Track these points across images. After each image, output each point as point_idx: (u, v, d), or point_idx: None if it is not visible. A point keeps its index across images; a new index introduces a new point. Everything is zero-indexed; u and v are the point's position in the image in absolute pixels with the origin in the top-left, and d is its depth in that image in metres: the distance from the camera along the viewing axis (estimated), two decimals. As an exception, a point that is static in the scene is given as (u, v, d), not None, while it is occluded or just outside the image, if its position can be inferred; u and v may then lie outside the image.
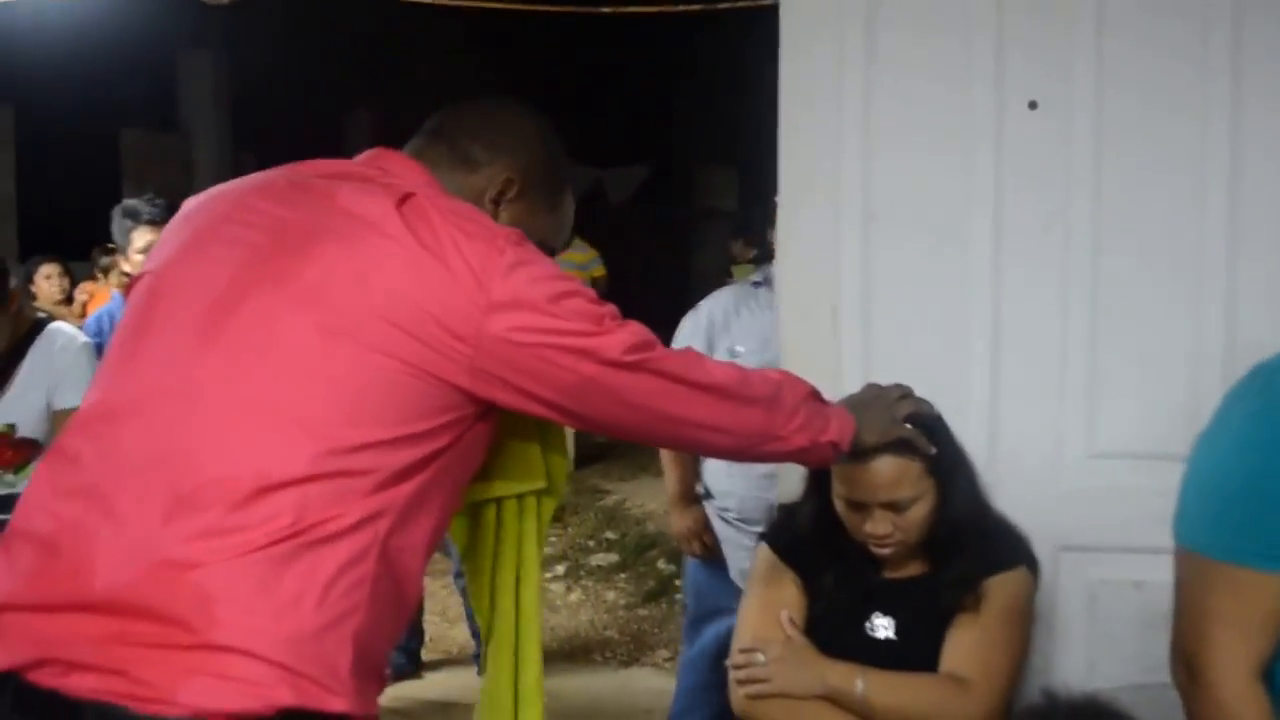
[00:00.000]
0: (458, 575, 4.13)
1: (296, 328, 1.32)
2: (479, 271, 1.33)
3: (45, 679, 1.23)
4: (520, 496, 1.67)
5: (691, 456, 3.19)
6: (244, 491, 1.25)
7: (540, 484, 1.68)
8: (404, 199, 1.38)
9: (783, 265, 2.28)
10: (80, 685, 1.21)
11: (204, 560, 1.23)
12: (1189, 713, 1.40)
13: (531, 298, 1.36)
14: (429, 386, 1.34)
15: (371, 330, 1.31)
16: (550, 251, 1.61)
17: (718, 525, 3.18)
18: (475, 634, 4.04)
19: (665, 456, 3.35)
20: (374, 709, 1.34)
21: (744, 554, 3.02)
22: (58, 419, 2.67)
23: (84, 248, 7.20)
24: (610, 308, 1.44)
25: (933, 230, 2.19)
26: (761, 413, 1.56)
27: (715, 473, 3.17)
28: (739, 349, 3.04)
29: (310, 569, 1.25)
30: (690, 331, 3.21)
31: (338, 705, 1.24)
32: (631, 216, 13.91)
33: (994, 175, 2.16)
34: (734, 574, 3.08)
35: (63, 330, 2.87)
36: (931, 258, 2.20)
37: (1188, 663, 1.38)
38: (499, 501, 1.67)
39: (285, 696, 1.21)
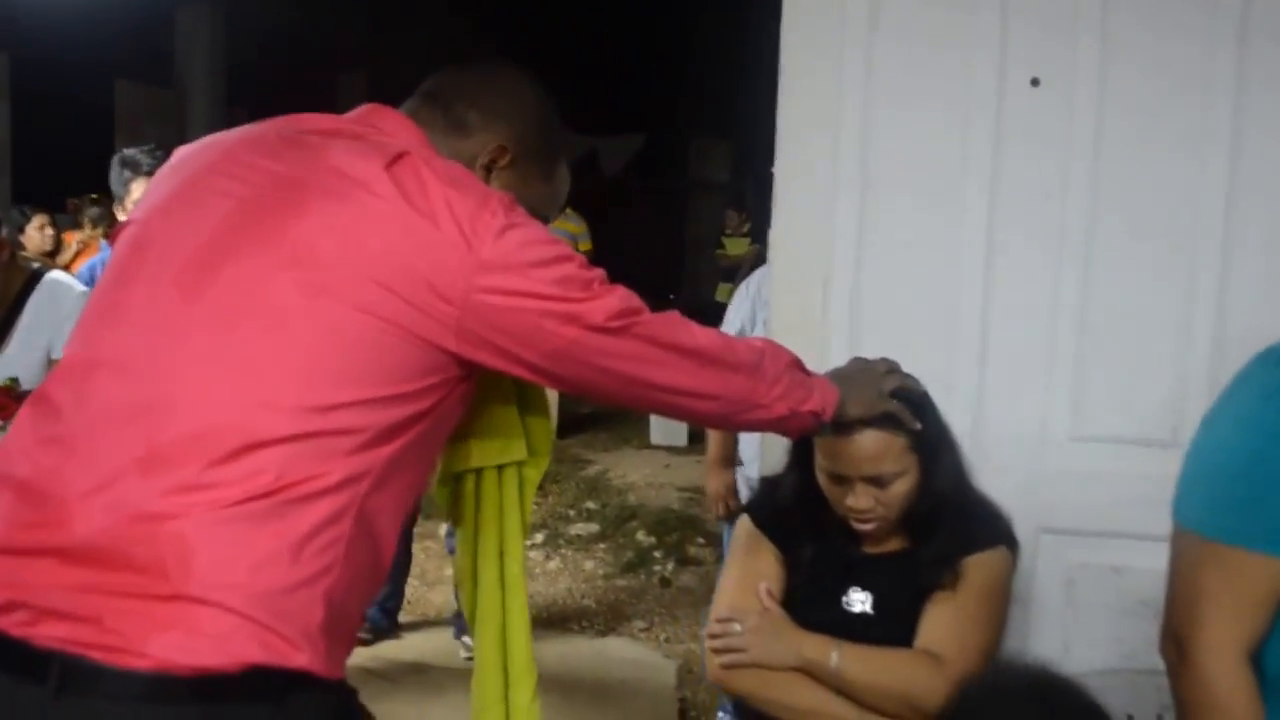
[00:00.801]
0: (449, 535, 4.13)
1: (280, 285, 1.30)
2: (468, 233, 1.32)
3: (14, 626, 1.22)
4: (500, 467, 1.66)
5: None
6: (225, 448, 1.24)
7: (520, 455, 1.67)
8: (395, 159, 1.36)
9: (776, 235, 2.27)
10: (50, 634, 1.20)
11: (183, 512, 1.22)
12: (1175, 690, 1.40)
13: (520, 261, 1.35)
14: (414, 347, 1.32)
15: (357, 289, 1.30)
16: (542, 220, 1.59)
17: (744, 492, 3.30)
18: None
19: None
20: (340, 672, 1.32)
21: None
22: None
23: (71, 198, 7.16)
24: (599, 273, 1.43)
25: (928, 204, 2.18)
26: (744, 380, 1.55)
27: (747, 441, 3.31)
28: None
29: (287, 526, 1.24)
30: (738, 303, 3.43)
31: (302, 662, 1.24)
32: (625, 187, 13.89)
33: (992, 150, 2.15)
34: None
35: (60, 281, 2.83)
36: (926, 232, 2.18)
37: (1177, 640, 1.38)
38: (479, 472, 1.66)
39: (253, 652, 1.20)
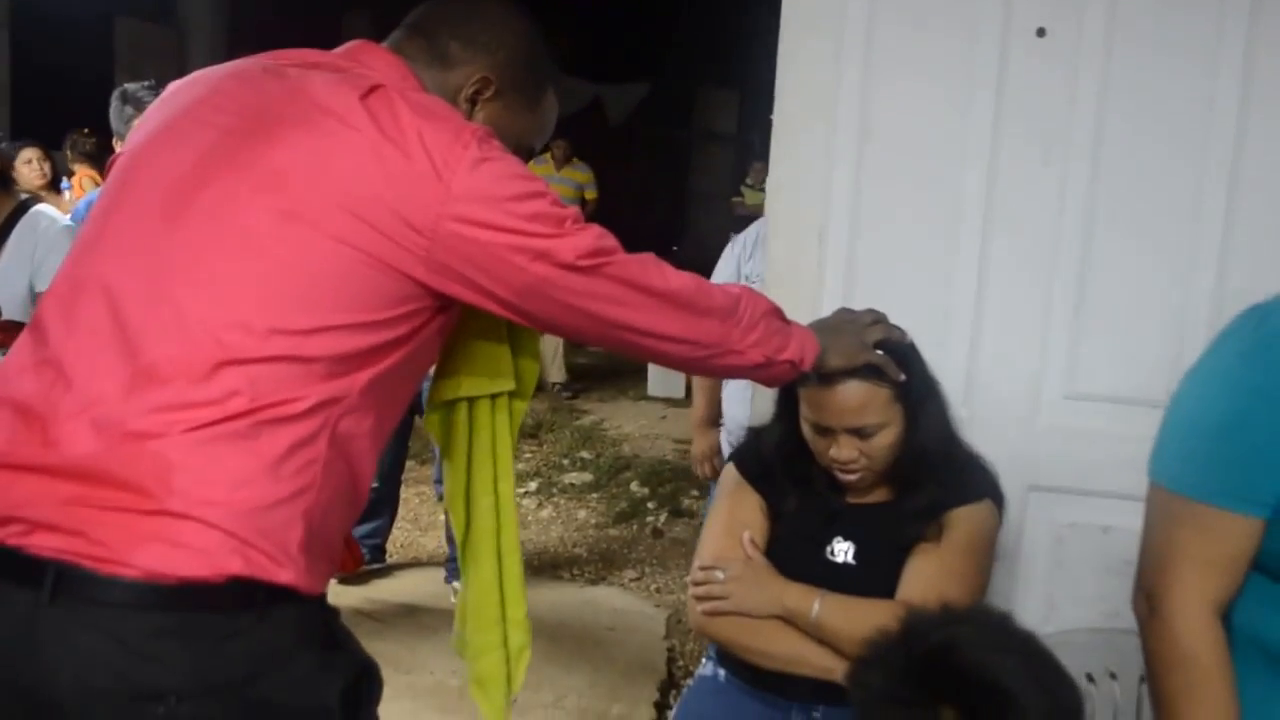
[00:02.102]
0: (438, 482, 4.13)
1: (254, 210, 1.33)
2: (440, 165, 1.32)
3: (10, 537, 1.26)
4: (493, 396, 1.69)
5: (718, 384, 3.34)
6: (202, 367, 1.27)
7: (509, 386, 1.69)
8: (370, 90, 1.37)
9: (774, 185, 2.24)
10: (43, 544, 1.24)
11: (163, 432, 1.25)
12: (1146, 645, 1.40)
13: (492, 194, 1.35)
14: (386, 277, 1.34)
15: (330, 218, 1.31)
16: (528, 152, 1.59)
17: (726, 451, 3.27)
18: (451, 539, 4.07)
19: (696, 382, 3.51)
20: (321, 589, 1.36)
21: None
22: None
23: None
24: (572, 211, 1.43)
25: (928, 157, 2.15)
26: (716, 325, 1.54)
27: (729, 399, 3.31)
28: (753, 277, 3.15)
29: (264, 446, 1.28)
30: (727, 256, 3.43)
31: (285, 578, 1.27)
32: (629, 136, 13.79)
33: (995, 103, 2.12)
34: None
35: (44, 213, 2.83)
36: (925, 186, 2.16)
37: (1149, 596, 1.39)
38: (471, 401, 1.69)
39: (235, 565, 1.24)
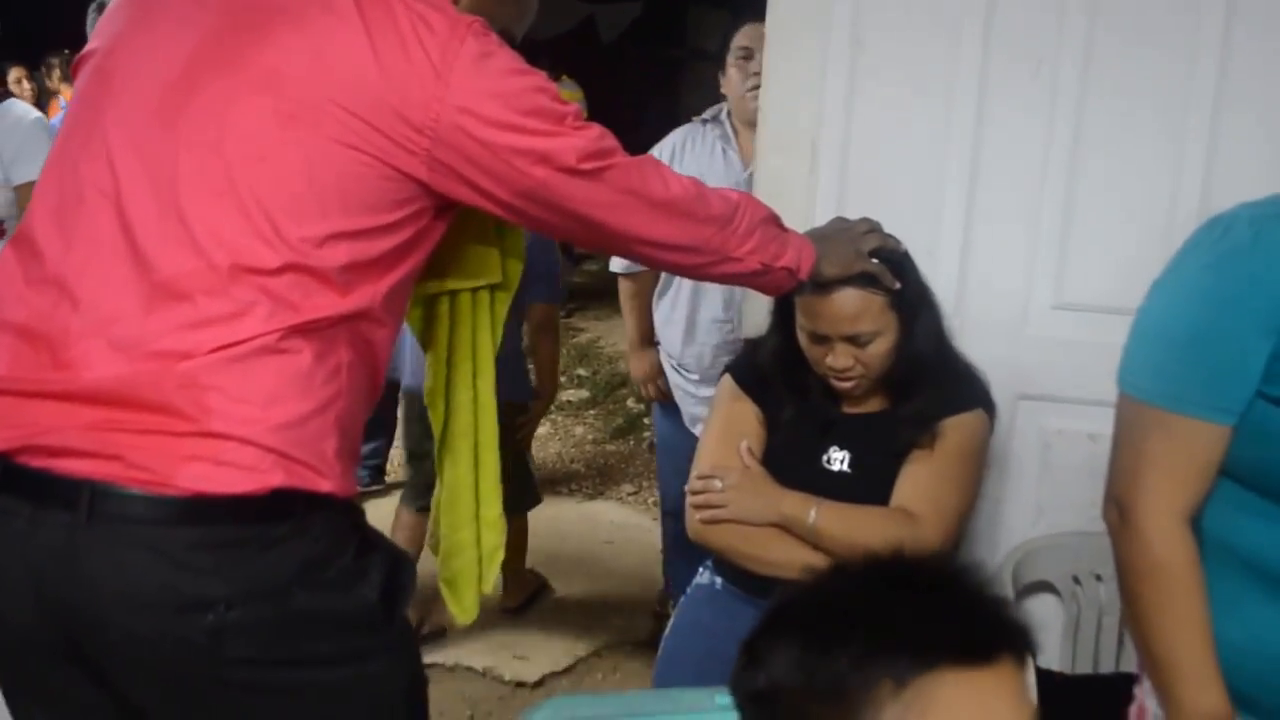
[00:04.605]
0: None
1: (253, 113, 1.30)
2: (438, 63, 1.31)
3: (34, 461, 1.25)
4: (475, 290, 1.69)
5: (647, 302, 3.24)
6: (220, 281, 1.26)
7: (495, 279, 1.69)
8: None
9: (766, 98, 2.24)
10: (74, 468, 1.23)
11: (190, 351, 1.25)
12: (1116, 552, 1.43)
13: (491, 91, 1.34)
14: (388, 179, 1.33)
15: (329, 119, 1.30)
16: (510, 39, 1.57)
17: (670, 374, 3.22)
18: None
19: (624, 304, 3.37)
20: (354, 488, 1.39)
21: (692, 401, 3.10)
22: (21, 193, 2.61)
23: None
24: (573, 108, 1.42)
25: (919, 68, 2.15)
26: (714, 231, 1.55)
27: (661, 322, 3.21)
28: None
29: (291, 360, 1.28)
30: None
31: (327, 486, 1.30)
32: (622, 55, 13.63)
33: (986, 14, 2.11)
34: (686, 420, 3.15)
35: (15, 105, 2.77)
36: (915, 95, 2.16)
37: (1119, 504, 1.41)
38: (453, 295, 1.69)
39: (278, 478, 1.25)
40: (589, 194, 1.42)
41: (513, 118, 1.35)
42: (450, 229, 1.49)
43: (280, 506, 1.26)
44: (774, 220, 1.65)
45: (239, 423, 1.24)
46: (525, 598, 3.73)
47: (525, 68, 1.40)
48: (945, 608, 0.92)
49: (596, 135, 1.41)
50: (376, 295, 1.35)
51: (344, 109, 1.30)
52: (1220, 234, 1.36)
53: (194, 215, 1.28)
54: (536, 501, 3.70)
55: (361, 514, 1.43)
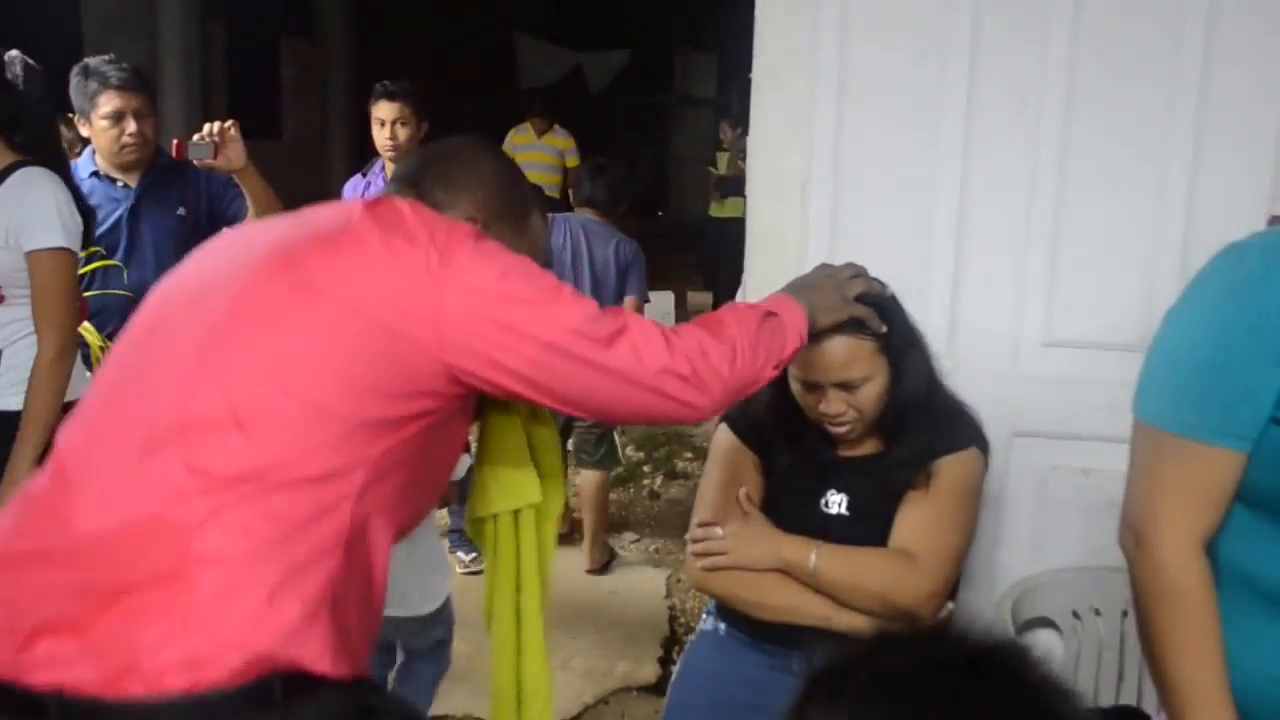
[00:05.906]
0: (453, 531, 4.19)
1: (271, 291, 1.38)
2: (441, 248, 1.40)
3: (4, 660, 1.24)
4: (516, 511, 1.74)
5: None
6: (215, 434, 1.29)
7: (533, 499, 1.74)
8: (373, 203, 1.46)
9: (755, 142, 2.28)
10: (41, 662, 1.22)
11: (177, 504, 1.26)
12: (1132, 578, 1.44)
13: (483, 282, 1.40)
14: (401, 357, 1.37)
15: (346, 308, 1.36)
16: None
17: None
18: (450, 509, 4.14)
19: None
20: (347, 671, 1.32)
21: None
22: (35, 260, 2.54)
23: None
24: (567, 289, 1.47)
25: (906, 110, 2.19)
26: (723, 381, 1.54)
27: None
28: None
29: (281, 514, 1.28)
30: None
31: (318, 665, 1.27)
32: (611, 103, 13.77)
33: (970, 55, 2.16)
34: None
35: (34, 172, 2.57)
36: (903, 138, 2.20)
37: (1135, 531, 1.42)
38: (495, 517, 1.75)
39: (253, 666, 1.23)
40: (583, 377, 1.45)
41: (503, 305, 1.41)
42: (488, 452, 1.60)
43: (260, 693, 1.22)
44: (766, 316, 1.64)
45: (216, 565, 1.24)
46: (602, 564, 4.36)
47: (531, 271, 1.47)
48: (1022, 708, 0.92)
49: (585, 313, 1.45)
50: (368, 457, 1.35)
51: (357, 310, 1.37)
52: (1234, 261, 1.38)
53: (191, 379, 1.35)
54: (618, 464, 4.70)
55: (370, 691, 1.40)
